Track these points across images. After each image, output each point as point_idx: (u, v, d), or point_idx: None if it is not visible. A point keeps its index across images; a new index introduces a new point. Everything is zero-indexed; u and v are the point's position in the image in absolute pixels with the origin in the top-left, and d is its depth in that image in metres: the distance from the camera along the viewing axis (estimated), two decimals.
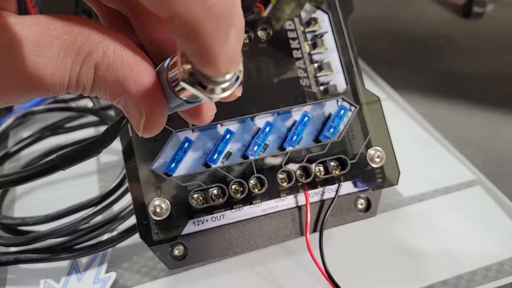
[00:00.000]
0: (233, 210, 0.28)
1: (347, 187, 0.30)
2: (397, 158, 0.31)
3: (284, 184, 0.28)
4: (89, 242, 0.33)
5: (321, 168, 0.29)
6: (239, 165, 0.28)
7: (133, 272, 0.33)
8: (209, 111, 0.19)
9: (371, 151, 0.30)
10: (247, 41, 0.29)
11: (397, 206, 0.38)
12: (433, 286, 0.31)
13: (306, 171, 0.29)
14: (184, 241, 0.28)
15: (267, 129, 0.28)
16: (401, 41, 0.65)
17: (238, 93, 0.17)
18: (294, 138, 0.29)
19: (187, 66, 0.14)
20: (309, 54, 0.30)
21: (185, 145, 0.27)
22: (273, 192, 0.28)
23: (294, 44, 0.30)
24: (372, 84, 0.53)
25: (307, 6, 0.30)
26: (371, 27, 0.67)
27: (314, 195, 0.30)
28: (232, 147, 0.28)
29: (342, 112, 0.29)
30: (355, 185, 0.30)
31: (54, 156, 0.21)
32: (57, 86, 0.16)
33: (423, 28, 0.67)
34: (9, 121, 0.41)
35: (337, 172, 0.29)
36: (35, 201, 0.39)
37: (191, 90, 0.15)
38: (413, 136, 0.46)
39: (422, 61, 0.60)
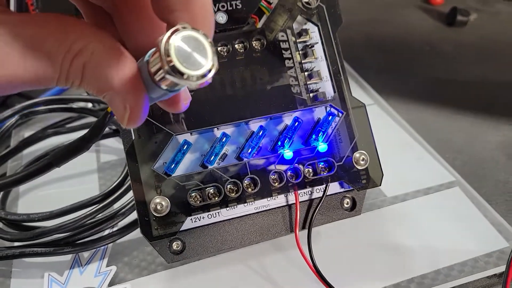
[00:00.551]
0: (228, 208, 0.30)
1: (334, 187, 0.32)
2: (380, 161, 0.32)
3: (276, 184, 0.30)
4: (91, 238, 0.34)
5: (310, 170, 0.31)
6: (234, 166, 0.30)
7: (133, 266, 0.34)
8: (185, 100, 0.21)
9: (356, 154, 0.31)
10: (242, 50, 0.31)
11: (381, 205, 0.38)
12: (413, 280, 0.33)
13: (296, 172, 0.31)
14: (182, 237, 0.29)
15: (261, 133, 0.30)
16: (388, 48, 0.65)
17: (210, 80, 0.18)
18: (286, 141, 0.30)
19: (168, 58, 0.16)
20: (300, 63, 0.31)
21: (184, 147, 0.29)
22: (266, 192, 0.30)
23: (286, 54, 0.31)
24: (360, 90, 0.54)
25: (299, 18, 0.32)
26: (360, 35, 0.68)
27: (304, 194, 0.31)
28: (228, 149, 0.30)
29: (330, 117, 0.31)
30: (342, 186, 0.32)
31: (48, 156, 0.22)
32: (48, 80, 0.17)
33: (409, 36, 0.68)
34: (11, 120, 0.42)
35: (324, 173, 0.31)
36: (37, 198, 0.40)
37: (173, 79, 0.16)
38: (397, 140, 0.46)
39: (407, 67, 0.61)
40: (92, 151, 0.45)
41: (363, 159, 0.31)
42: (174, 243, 0.29)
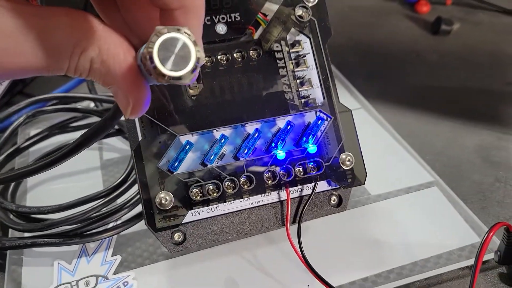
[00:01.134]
0: (225, 203, 0.32)
1: (322, 185, 0.34)
2: (365, 162, 0.34)
3: (269, 182, 0.32)
4: (97, 229, 0.36)
5: (301, 169, 0.33)
6: (232, 165, 0.32)
7: (136, 256, 0.36)
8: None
9: (343, 155, 0.33)
10: (240, 59, 0.33)
11: (365, 203, 0.40)
12: (392, 270, 0.35)
13: (288, 171, 0.33)
14: (183, 229, 0.31)
15: (256, 135, 0.32)
16: (376, 55, 0.66)
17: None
18: (279, 143, 0.32)
19: (152, 63, 0.17)
20: (293, 71, 0.33)
21: (187, 147, 0.30)
22: (260, 189, 0.32)
23: (280, 63, 0.33)
24: (348, 94, 0.55)
25: (292, 30, 0.34)
26: (349, 42, 0.69)
27: (294, 191, 0.33)
28: (226, 149, 0.32)
29: (319, 122, 0.33)
30: (329, 184, 0.34)
31: (78, 138, 0.23)
32: (57, 69, 0.17)
33: (396, 43, 0.69)
34: (19, 119, 0.43)
35: (314, 172, 0.33)
36: (44, 192, 0.41)
37: (157, 79, 0.17)
38: (381, 142, 0.48)
39: (394, 74, 0.62)
40: (95, 149, 0.46)
41: (349, 160, 0.34)
42: (176, 235, 0.31)
